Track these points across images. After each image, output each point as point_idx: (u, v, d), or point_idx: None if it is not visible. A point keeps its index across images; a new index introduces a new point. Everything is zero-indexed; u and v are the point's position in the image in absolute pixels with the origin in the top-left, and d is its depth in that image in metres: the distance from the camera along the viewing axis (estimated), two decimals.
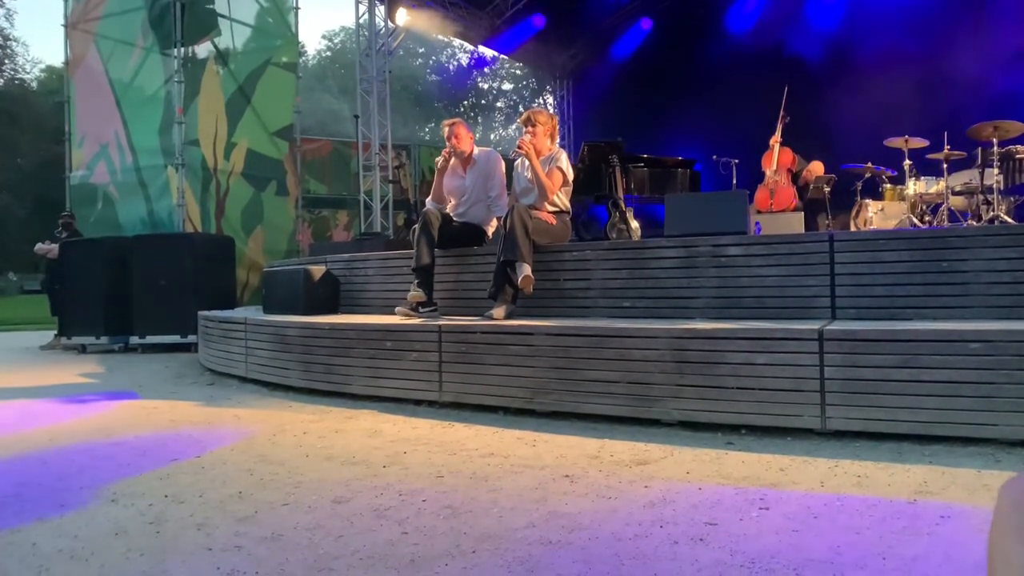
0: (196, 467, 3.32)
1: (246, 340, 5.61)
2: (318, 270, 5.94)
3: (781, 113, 8.48)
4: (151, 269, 8.21)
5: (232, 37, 10.25)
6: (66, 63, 10.81)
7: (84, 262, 8.56)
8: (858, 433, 3.33)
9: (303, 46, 26.66)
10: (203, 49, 9.95)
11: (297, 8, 10.97)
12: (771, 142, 8.42)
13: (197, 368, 6.68)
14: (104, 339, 8.51)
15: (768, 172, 8.40)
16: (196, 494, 2.88)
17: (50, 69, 36.72)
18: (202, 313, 6.80)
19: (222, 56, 10.08)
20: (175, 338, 8.14)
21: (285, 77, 10.87)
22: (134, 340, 8.34)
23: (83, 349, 8.64)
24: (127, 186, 9.84)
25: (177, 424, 4.33)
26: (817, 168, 8.50)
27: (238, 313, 6.44)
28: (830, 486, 2.72)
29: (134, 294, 8.28)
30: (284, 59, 10.94)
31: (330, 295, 5.95)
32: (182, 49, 9.42)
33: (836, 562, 2.01)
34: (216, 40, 10.02)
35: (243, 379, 5.69)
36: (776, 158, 8.39)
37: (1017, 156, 6.63)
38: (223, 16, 10.04)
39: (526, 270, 4.59)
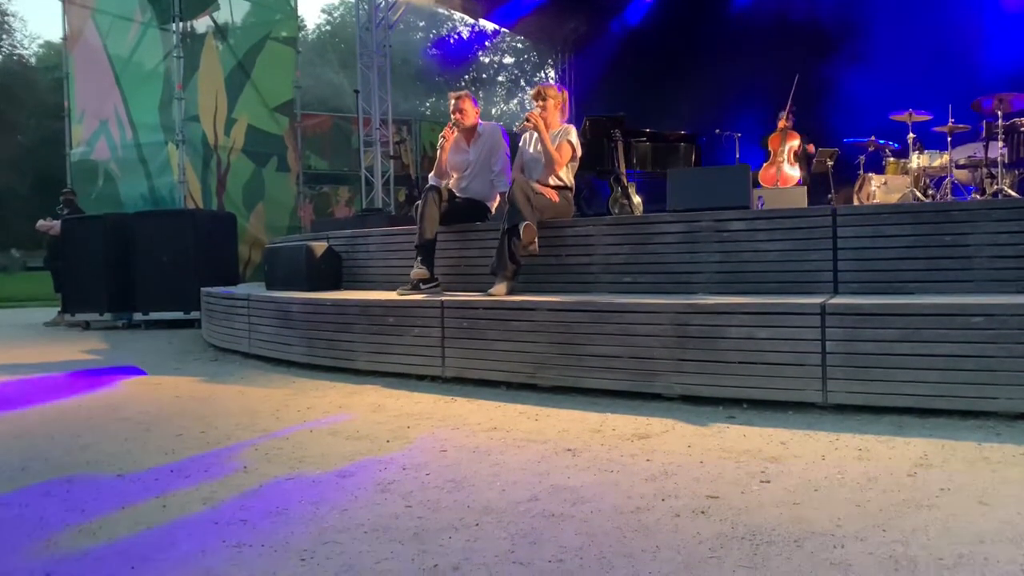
0: (200, 442, 3.34)
1: (249, 316, 5.62)
2: (320, 246, 5.94)
3: (789, 104, 8.42)
4: (153, 246, 8.21)
5: (231, 12, 10.15)
6: (64, 38, 10.74)
7: (86, 239, 8.56)
8: (859, 407, 3.34)
9: (302, 20, 26.47)
10: (202, 24, 9.86)
11: None
12: (780, 125, 8.36)
13: (200, 344, 6.71)
14: (107, 316, 8.54)
15: (775, 152, 8.37)
16: (202, 469, 2.90)
17: (48, 44, 36.46)
18: (205, 289, 6.82)
19: (221, 31, 9.99)
20: (178, 314, 8.16)
21: (285, 52, 10.79)
22: (137, 317, 8.37)
23: (87, 326, 8.67)
24: (128, 163, 9.81)
25: (182, 400, 4.35)
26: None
27: (241, 289, 6.45)
28: (831, 459, 2.73)
29: (137, 271, 8.29)
30: (283, 34, 10.85)
31: (332, 271, 5.95)
32: (180, 24, 9.34)
33: (836, 534, 2.03)
34: (215, 14, 9.93)
35: (246, 355, 5.72)
36: (785, 140, 8.35)
37: (1022, 129, 6.58)
38: None
39: (529, 226, 4.55)
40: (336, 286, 5.92)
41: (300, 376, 4.91)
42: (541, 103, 5.06)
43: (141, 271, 8.27)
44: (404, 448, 3.12)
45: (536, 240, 4.59)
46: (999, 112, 6.46)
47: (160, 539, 2.19)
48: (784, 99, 8.67)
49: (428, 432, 3.38)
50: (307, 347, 5.07)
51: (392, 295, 4.97)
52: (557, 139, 5.09)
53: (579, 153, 5.21)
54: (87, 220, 8.95)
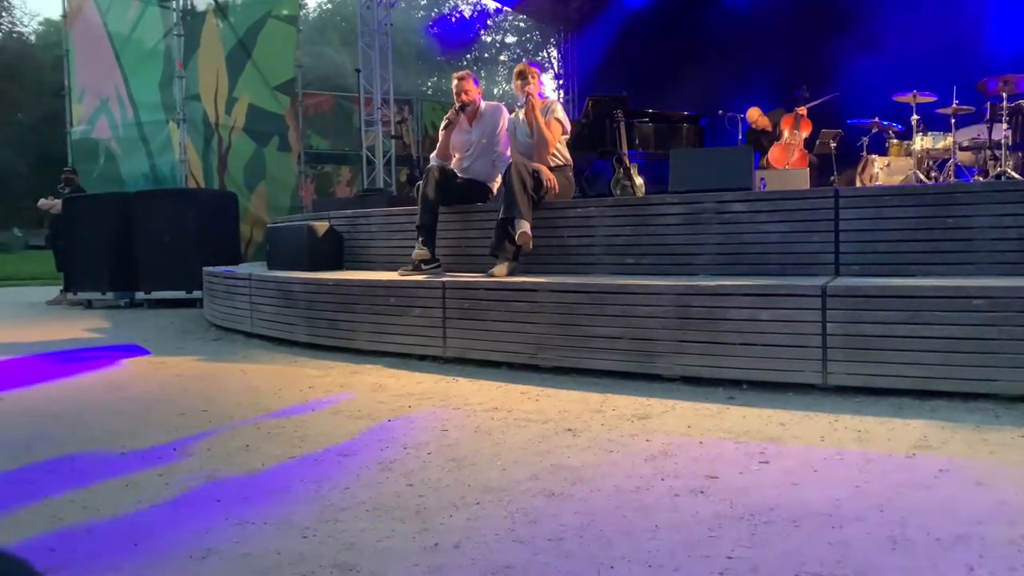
0: (203, 421, 3.36)
1: (251, 296, 5.63)
2: (322, 226, 5.93)
3: (804, 106, 8.40)
4: (155, 225, 8.21)
5: None
6: (64, 16, 10.66)
7: (88, 218, 8.56)
8: (859, 388, 3.35)
9: None
10: (202, 2, 9.79)
11: None
12: (799, 111, 8.34)
13: (203, 324, 6.72)
14: (110, 295, 8.55)
15: (787, 133, 8.34)
16: (204, 448, 2.92)
17: (48, 22, 36.17)
18: (207, 269, 6.82)
19: (221, 9, 9.92)
20: (180, 294, 8.18)
21: (286, 30, 10.71)
22: (139, 296, 8.38)
23: (89, 304, 8.69)
24: (129, 141, 9.78)
25: (184, 379, 4.37)
26: (754, 113, 8.51)
27: (243, 269, 6.45)
28: (830, 440, 2.75)
29: (139, 250, 8.29)
30: (284, 12, 10.76)
31: (334, 251, 5.95)
32: (180, 1, 9.27)
33: (835, 515, 2.04)
34: None
35: (248, 335, 5.73)
36: (799, 126, 8.33)
37: None
38: None
39: (524, 227, 4.57)
40: (338, 266, 5.92)
41: (302, 356, 4.93)
42: (528, 81, 5.05)
43: (143, 250, 8.27)
44: (405, 427, 3.14)
45: (530, 240, 4.58)
46: (1004, 94, 6.42)
47: (163, 516, 2.22)
48: (791, 81, 8.64)
49: (429, 412, 3.40)
50: (309, 327, 5.08)
51: (393, 275, 4.97)
52: (544, 116, 5.07)
53: (568, 127, 5.21)
54: (88, 199, 8.94)
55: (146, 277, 8.27)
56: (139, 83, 9.64)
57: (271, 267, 6.22)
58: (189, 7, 9.57)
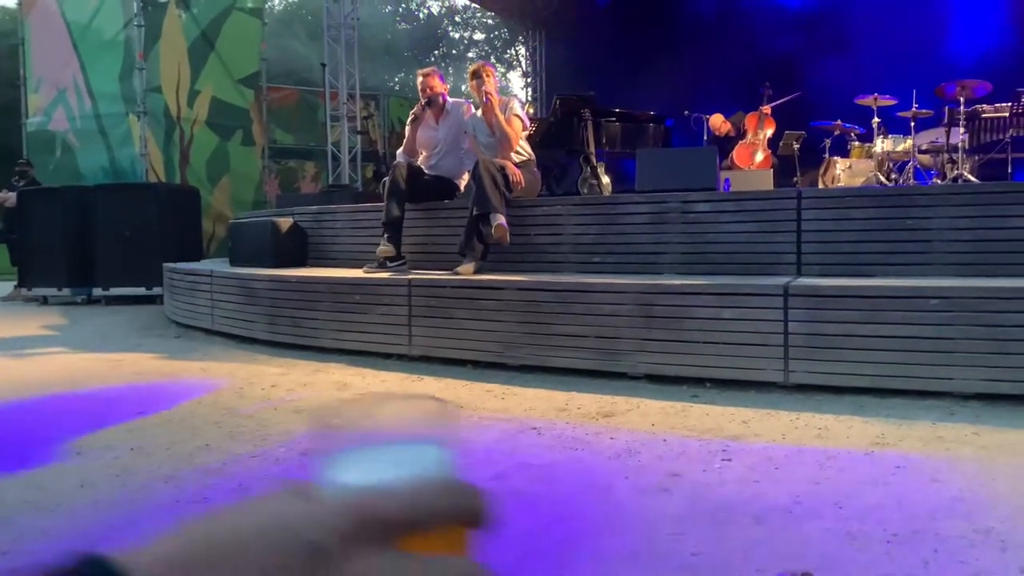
0: (163, 420, 3.30)
1: (212, 292, 5.54)
2: (285, 222, 5.85)
3: (779, 102, 8.51)
4: (114, 219, 8.03)
5: None
6: (20, 3, 10.38)
7: (44, 212, 8.34)
8: (820, 387, 3.41)
9: None
10: None
11: None
12: (763, 110, 8.44)
13: (163, 320, 6.60)
14: (66, 291, 8.35)
15: (751, 133, 8.45)
16: (164, 447, 2.87)
17: (3, 10, 35.23)
18: (167, 265, 6.70)
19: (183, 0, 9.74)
20: (140, 290, 8.01)
21: (250, 23, 10.56)
22: (97, 292, 8.19)
23: (45, 301, 8.48)
24: (87, 133, 9.56)
25: (143, 376, 4.29)
26: (716, 121, 8.64)
27: (204, 265, 6.35)
28: (791, 438, 2.79)
29: (97, 245, 8.10)
30: (249, 4, 10.60)
31: (298, 248, 5.87)
32: None
33: (795, 511, 2.07)
34: None
35: (209, 332, 5.64)
36: (763, 125, 8.43)
37: (983, 116, 6.70)
38: None
39: (500, 219, 4.54)
40: (301, 263, 5.85)
41: (264, 353, 4.86)
42: (484, 80, 5.00)
43: (102, 245, 8.08)
44: None
45: (507, 233, 4.56)
46: (961, 98, 6.56)
47: (118, 518, 2.17)
48: (755, 82, 8.74)
49: None
50: (271, 324, 5.02)
51: (358, 272, 4.92)
52: (504, 114, 5.05)
53: (527, 123, 5.22)
54: (44, 192, 8.71)
55: (104, 273, 8.09)
56: (98, 74, 9.42)
57: (233, 263, 6.13)
58: None
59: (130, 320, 6.79)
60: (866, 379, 3.31)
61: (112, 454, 2.78)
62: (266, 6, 13.17)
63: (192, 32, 9.81)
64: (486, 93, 4.97)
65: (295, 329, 4.88)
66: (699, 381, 3.63)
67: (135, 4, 9.00)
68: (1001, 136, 6.67)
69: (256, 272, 5.28)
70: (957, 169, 6.52)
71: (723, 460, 2.56)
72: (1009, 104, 6.54)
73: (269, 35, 12.49)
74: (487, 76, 5.06)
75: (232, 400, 3.65)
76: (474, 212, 4.61)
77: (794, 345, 3.43)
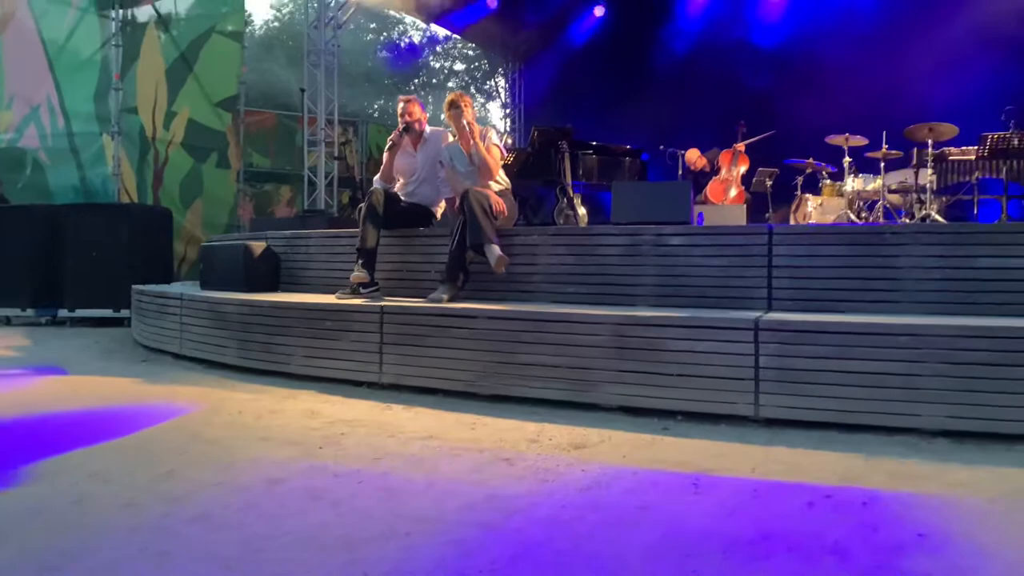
0: (125, 445, 3.23)
1: (181, 316, 5.46)
2: (258, 246, 5.80)
3: (752, 141, 8.67)
4: (83, 239, 7.90)
5: (175, 2, 9.88)
6: None
7: (11, 230, 8.17)
8: (790, 421, 3.42)
9: (250, 15, 25.87)
10: (143, 13, 9.56)
11: None
12: (737, 147, 8.59)
13: (130, 343, 6.48)
14: (30, 311, 8.17)
15: (725, 169, 8.58)
16: (125, 473, 2.80)
17: None
18: (136, 287, 6.60)
19: (163, 21, 9.71)
20: (107, 312, 7.87)
21: (230, 46, 10.54)
22: (63, 313, 8.03)
23: (7, 321, 8.29)
24: (59, 152, 9.43)
25: (107, 401, 4.20)
26: (692, 155, 8.79)
27: (174, 288, 6.27)
28: (761, 472, 2.79)
29: (65, 265, 7.95)
30: (229, 27, 10.60)
31: (270, 272, 5.82)
32: (121, 11, 9.05)
33: (763, 546, 2.06)
34: (157, 4, 9.64)
35: (177, 356, 5.55)
36: (736, 162, 8.58)
37: (950, 158, 6.87)
38: None
39: (497, 251, 4.54)
40: (274, 287, 5.79)
41: (232, 379, 4.78)
42: (462, 110, 5.03)
43: (69, 266, 7.93)
44: (337, 455, 3.07)
45: (506, 263, 4.56)
46: (929, 141, 6.73)
47: (75, 546, 2.10)
48: (730, 119, 8.90)
49: (362, 439, 3.33)
50: (241, 349, 4.95)
51: (331, 298, 4.88)
52: (483, 144, 5.09)
53: (504, 152, 5.27)
54: (12, 210, 8.55)
55: (71, 294, 7.93)
56: (73, 93, 9.33)
57: (204, 287, 6.05)
58: (129, 18, 9.33)
59: (95, 342, 6.66)
60: (835, 414, 3.33)
61: (70, 480, 2.71)
62: (247, 30, 13.20)
63: (171, 54, 9.77)
64: (468, 123, 5.00)
65: (265, 355, 4.82)
66: (671, 413, 3.63)
67: (113, 24, 8.96)
68: (967, 178, 6.84)
69: (227, 296, 5.22)
70: (925, 209, 6.66)
71: (693, 494, 2.55)
72: (975, 147, 6.72)
73: (249, 59, 12.51)
74: (465, 106, 5.09)
75: (198, 426, 3.58)
76: (470, 241, 4.60)
77: (764, 379, 3.45)
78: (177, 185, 9.78)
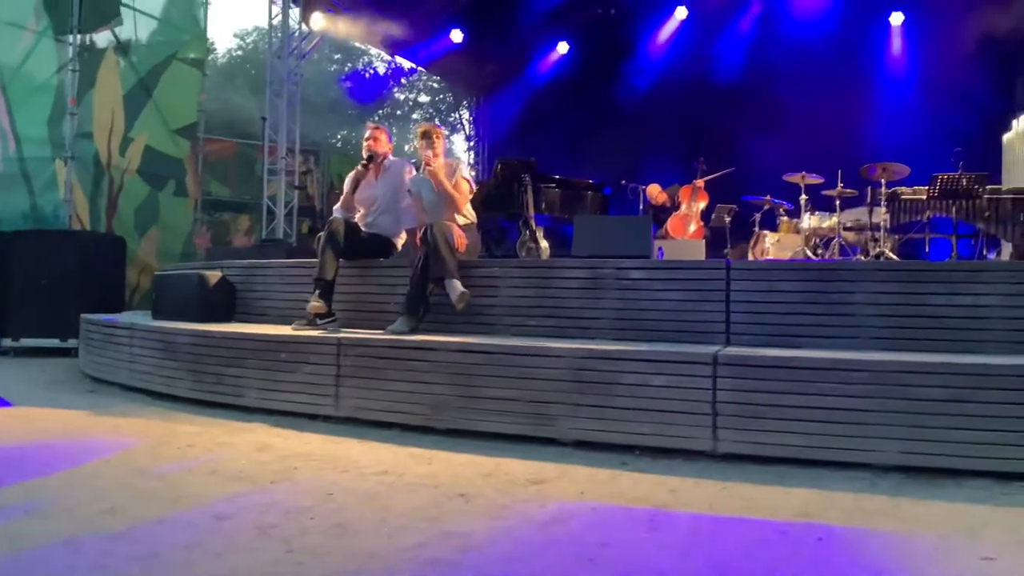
0: (67, 480, 3.10)
1: (131, 346, 5.31)
2: (213, 276, 5.69)
3: (712, 177, 8.83)
4: (31, 266, 7.66)
5: (135, 28, 9.78)
6: None
7: None
8: (747, 456, 3.42)
9: (212, 43, 25.74)
10: (102, 38, 9.45)
11: (207, 3, 10.62)
12: (696, 183, 8.73)
13: (76, 374, 6.28)
14: None
15: (685, 205, 8.70)
16: (64, 509, 2.69)
17: None
18: (85, 316, 6.42)
19: (123, 47, 9.60)
20: (54, 342, 7.63)
21: (191, 73, 10.46)
22: (7, 343, 7.76)
23: None
24: (8, 177, 9.19)
25: (49, 433, 4.05)
26: (654, 190, 8.93)
27: (124, 317, 6.10)
28: (718, 508, 2.78)
29: (10, 293, 7.70)
30: (191, 55, 10.53)
31: (225, 302, 5.71)
32: (79, 36, 8.92)
33: None
34: (117, 30, 9.54)
35: (126, 387, 5.38)
36: (696, 198, 8.71)
37: (903, 197, 7.06)
38: (126, 6, 9.57)
39: (459, 287, 4.52)
40: (228, 318, 5.68)
41: (183, 411, 4.65)
42: (433, 141, 5.06)
43: (15, 294, 7.68)
44: (288, 490, 2.99)
45: (467, 297, 4.54)
46: (883, 180, 6.91)
47: None
48: (690, 156, 9.06)
49: (315, 474, 3.25)
50: (193, 381, 4.82)
51: (287, 329, 4.80)
52: (451, 177, 5.12)
53: (474, 185, 5.28)
54: None
55: (17, 323, 7.67)
56: (25, 117, 9.13)
57: (156, 316, 5.91)
58: (88, 43, 9.21)
59: (40, 373, 6.44)
60: (791, 449, 3.35)
61: (6, 517, 2.58)
62: (209, 58, 13.10)
63: (129, 80, 9.65)
64: (433, 156, 5.01)
65: (217, 386, 4.70)
66: (629, 448, 3.61)
67: (70, 49, 8.83)
68: (919, 217, 7.02)
69: (179, 326, 5.09)
70: (879, 247, 6.82)
71: (650, 530, 2.52)
72: (926, 187, 6.91)
73: (211, 87, 12.41)
74: (436, 138, 5.11)
75: (144, 460, 3.46)
76: (433, 275, 4.56)
77: (722, 414, 3.45)
78: (132, 212, 9.59)
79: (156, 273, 7.00)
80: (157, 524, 2.54)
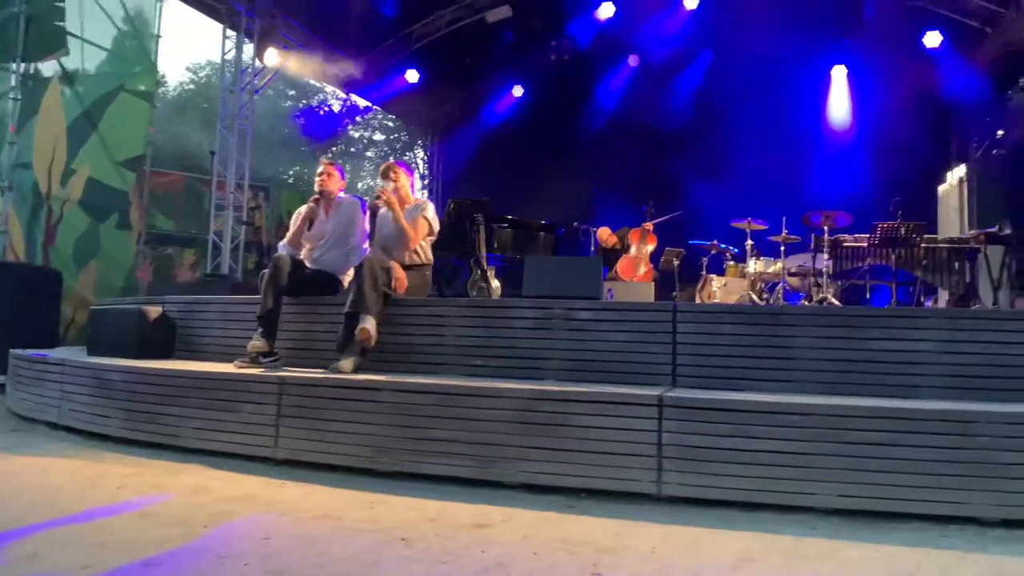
0: None
1: (62, 383, 5.10)
2: (154, 311, 5.53)
3: (651, 221, 8.98)
4: None
5: (82, 58, 9.61)
6: None
7: None
8: (691, 499, 3.42)
9: (163, 76, 25.49)
10: (48, 67, 9.25)
11: (159, 36, 10.51)
12: (645, 226, 8.87)
13: (2, 413, 6.00)
14: None
15: (634, 247, 8.82)
16: None
17: None
18: (14, 352, 6.15)
19: (68, 76, 9.40)
20: None
21: (139, 105, 10.29)
22: None
23: None
24: None
25: None
26: (604, 233, 9.07)
27: (56, 353, 5.87)
28: (661, 552, 2.76)
29: None
30: (141, 87, 10.37)
31: (164, 339, 5.54)
32: (23, 65, 8.73)
33: None
34: (64, 59, 9.36)
35: (55, 426, 5.15)
36: (644, 241, 8.84)
37: (844, 244, 7.27)
38: (73, 35, 9.40)
39: (367, 322, 4.48)
40: (167, 355, 5.50)
41: (115, 452, 4.46)
42: (393, 176, 5.17)
43: None
44: (223, 535, 2.87)
45: (373, 337, 4.49)
46: (825, 227, 7.12)
47: None
48: (641, 199, 9.22)
49: (252, 518, 3.14)
50: (126, 420, 4.63)
51: (229, 367, 4.67)
52: (413, 214, 5.14)
53: (436, 228, 5.29)
54: None
55: None
56: None
57: (91, 353, 5.70)
58: (32, 71, 9.01)
59: None
60: (734, 492, 3.36)
61: None
62: (160, 91, 12.93)
63: (74, 110, 9.44)
64: (389, 192, 5.07)
65: (153, 426, 4.53)
66: (575, 491, 3.58)
67: (13, 77, 8.63)
68: (861, 264, 7.24)
69: (114, 363, 4.92)
70: (822, 292, 6.99)
71: (593, 574, 2.49)
72: (867, 235, 7.13)
73: (161, 119, 12.23)
74: (394, 175, 5.24)
75: (70, 503, 3.30)
76: (347, 308, 4.55)
77: (667, 456, 3.45)
78: (71, 245, 9.31)
79: (93, 308, 6.78)
80: (81, 571, 2.42)
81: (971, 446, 3.19)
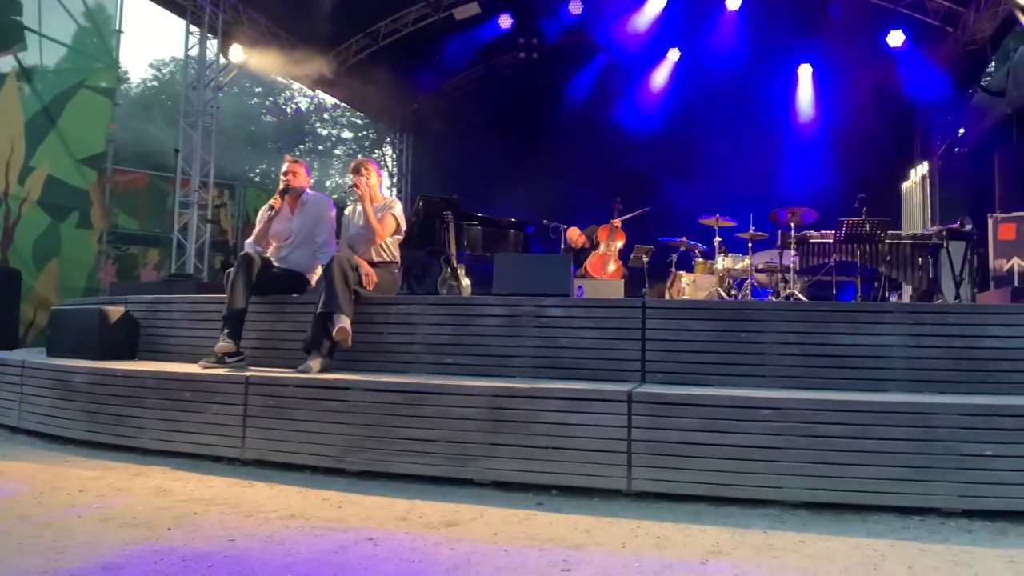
0: None
1: (22, 385, 4.98)
2: (116, 311, 5.42)
3: (628, 216, 9.00)
4: None
5: (41, 54, 9.40)
6: None
7: None
8: (661, 494, 3.43)
9: (126, 72, 25.03)
10: (5, 63, 9.04)
11: (120, 32, 10.31)
12: (614, 223, 8.88)
13: None
14: None
15: (603, 244, 8.84)
16: None
17: None
18: None
19: (26, 73, 9.19)
20: None
21: (100, 102, 10.10)
22: None
23: None
24: None
25: None
26: (573, 234, 9.09)
27: (16, 355, 5.74)
28: (630, 547, 2.76)
29: None
30: (102, 83, 10.18)
31: (128, 339, 5.43)
32: None
33: None
34: (22, 55, 9.14)
35: (14, 429, 5.04)
36: (613, 237, 8.86)
37: (811, 241, 7.36)
38: (31, 30, 9.20)
39: (343, 322, 4.44)
40: (130, 356, 5.40)
41: (77, 455, 4.37)
42: (364, 174, 5.14)
43: None
44: (187, 537, 2.82)
45: (349, 337, 4.46)
46: (792, 224, 7.20)
47: None
48: (610, 196, 9.24)
49: (217, 519, 3.08)
50: (88, 422, 4.54)
51: (194, 368, 4.59)
52: (381, 212, 5.10)
53: (403, 227, 5.26)
54: None
55: None
56: None
57: (52, 354, 5.58)
58: None
59: None
60: (704, 487, 3.37)
61: None
62: (122, 87, 12.69)
63: (32, 106, 9.23)
64: (356, 184, 5.07)
65: (116, 428, 4.44)
66: (545, 488, 3.57)
67: None
68: (827, 260, 7.33)
69: (76, 364, 4.81)
70: (789, 288, 7.06)
71: (562, 571, 2.48)
72: (833, 232, 7.22)
73: (124, 117, 12.00)
74: (364, 171, 5.21)
75: (28, 507, 3.22)
76: (319, 309, 4.48)
77: (636, 452, 3.46)
78: (30, 244, 9.10)
79: (54, 308, 6.64)
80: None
81: (932, 438, 3.24)
